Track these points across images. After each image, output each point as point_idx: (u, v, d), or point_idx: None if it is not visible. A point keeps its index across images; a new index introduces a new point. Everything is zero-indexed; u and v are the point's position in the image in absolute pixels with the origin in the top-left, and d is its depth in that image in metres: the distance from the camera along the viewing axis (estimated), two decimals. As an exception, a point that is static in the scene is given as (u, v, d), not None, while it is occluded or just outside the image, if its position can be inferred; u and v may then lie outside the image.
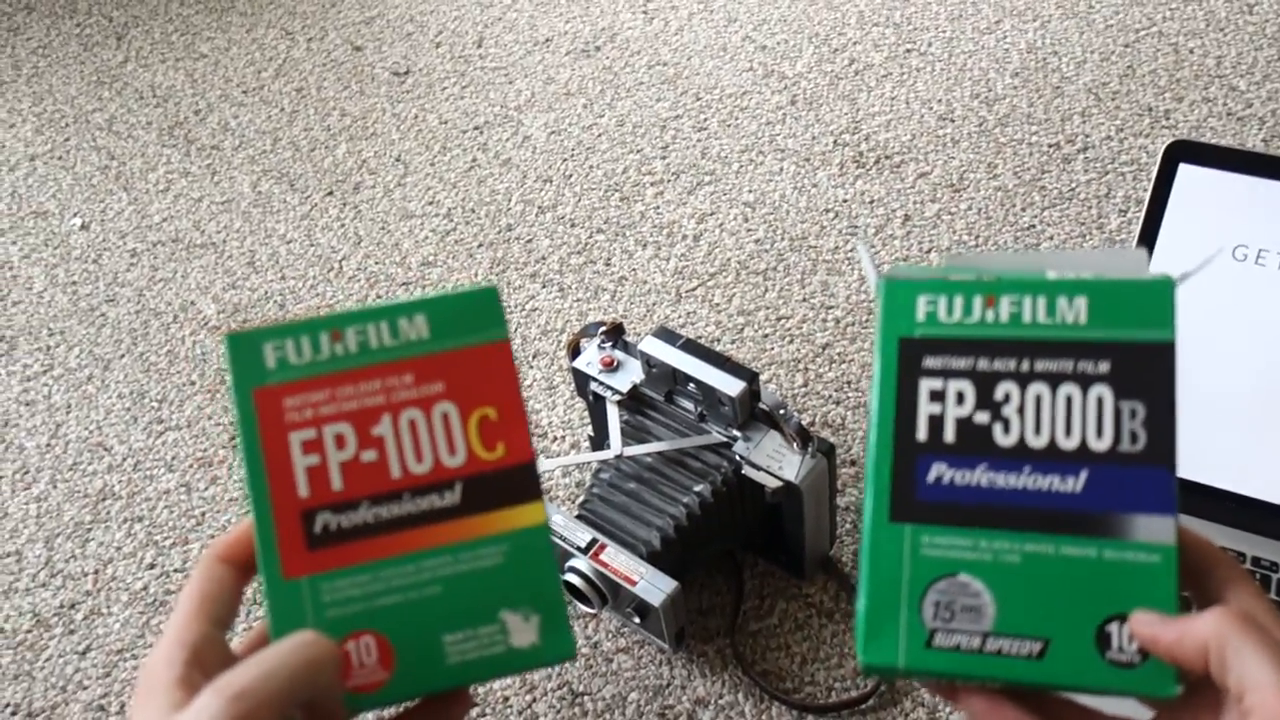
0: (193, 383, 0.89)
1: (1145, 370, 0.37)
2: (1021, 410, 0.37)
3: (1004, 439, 0.37)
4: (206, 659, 0.37)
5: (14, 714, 0.70)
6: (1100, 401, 0.37)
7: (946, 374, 0.38)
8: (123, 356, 0.92)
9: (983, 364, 0.38)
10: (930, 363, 0.38)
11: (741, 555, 0.72)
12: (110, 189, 1.08)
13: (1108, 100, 1.00)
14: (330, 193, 1.04)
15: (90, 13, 1.31)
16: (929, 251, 0.90)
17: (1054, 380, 0.37)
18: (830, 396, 0.81)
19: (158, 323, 0.94)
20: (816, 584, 0.71)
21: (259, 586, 0.39)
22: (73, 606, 0.76)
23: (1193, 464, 0.67)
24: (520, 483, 0.40)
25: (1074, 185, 0.94)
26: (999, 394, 0.38)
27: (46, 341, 0.94)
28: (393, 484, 0.40)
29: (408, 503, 0.40)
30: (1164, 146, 0.70)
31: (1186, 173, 0.70)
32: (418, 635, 0.39)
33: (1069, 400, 0.37)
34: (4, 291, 0.99)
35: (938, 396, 0.38)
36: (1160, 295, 0.37)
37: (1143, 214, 0.70)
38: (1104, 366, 0.37)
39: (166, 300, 0.96)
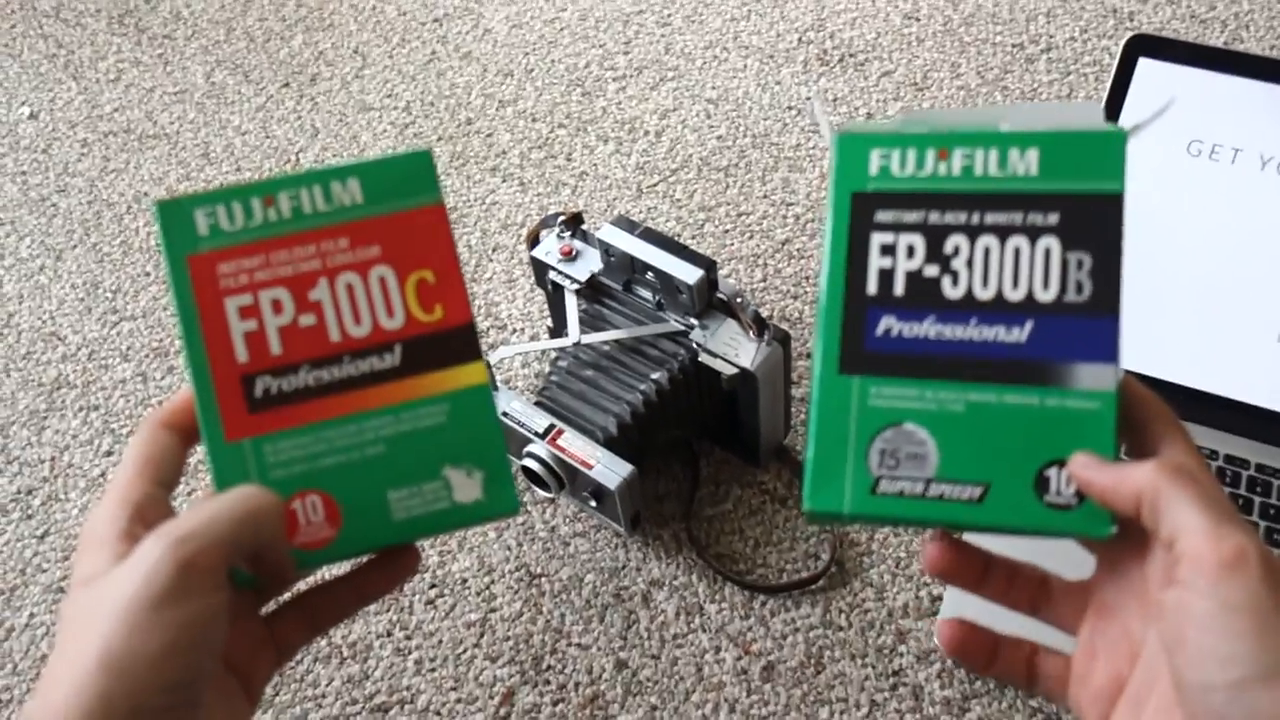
0: (147, 274, 0.88)
1: (1094, 221, 0.37)
2: (970, 263, 0.38)
3: (952, 291, 0.38)
4: (150, 517, 0.37)
5: (-27, 595, 0.71)
6: (1048, 252, 0.37)
7: (898, 228, 0.38)
8: (75, 247, 0.91)
9: (934, 217, 0.38)
10: (882, 217, 0.39)
11: (698, 443, 0.73)
12: (59, 78, 1.05)
13: (1073, 1, 1.00)
14: (286, 84, 1.02)
15: (33, -105, 1.26)
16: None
17: (1003, 232, 0.38)
18: (788, 291, 0.81)
19: (110, 213, 0.93)
20: (771, 471, 0.72)
21: (203, 453, 0.39)
22: (30, 492, 0.76)
23: (1146, 359, 0.69)
24: (460, 343, 0.40)
25: (1036, 85, 0.94)
26: (949, 247, 0.38)
27: (-4, 231, 0.93)
28: (332, 347, 0.40)
29: (348, 365, 0.40)
30: (1125, 40, 0.70)
31: (1146, 67, 0.70)
32: (363, 493, 0.40)
33: (1017, 252, 0.37)
34: (-50, 181, 0.97)
35: (888, 250, 0.38)
36: (1111, 146, 0.37)
37: (1101, 107, 0.70)
38: (1053, 218, 0.37)
39: (119, 191, 0.95)
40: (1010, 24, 0.99)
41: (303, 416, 0.39)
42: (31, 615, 0.69)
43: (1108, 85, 0.71)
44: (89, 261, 0.89)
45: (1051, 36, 0.97)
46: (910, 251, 0.38)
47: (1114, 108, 0.70)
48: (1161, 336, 0.68)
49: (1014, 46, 0.97)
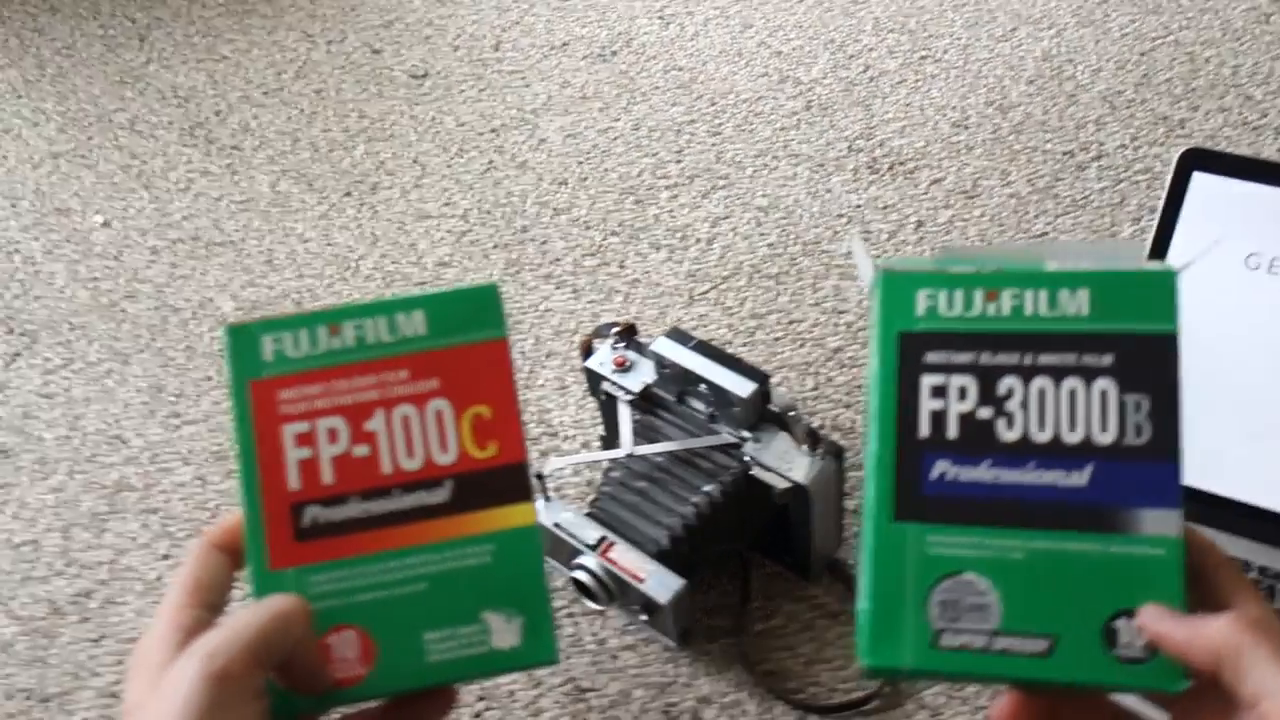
0: (209, 378, 0.90)
1: (1149, 362, 0.37)
2: (1025, 405, 0.37)
3: (1008, 434, 0.37)
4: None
5: (28, 698, 0.71)
6: (1104, 395, 0.37)
7: (949, 369, 0.38)
8: (141, 352, 0.93)
9: (985, 358, 0.38)
10: (932, 358, 0.38)
11: (749, 556, 0.73)
12: (131, 187, 1.09)
13: (1122, 109, 1.00)
14: (348, 193, 1.05)
15: (113, 14, 1.32)
16: (941, 257, 0.90)
17: (1058, 374, 0.37)
18: (840, 400, 0.81)
19: (176, 319, 0.96)
20: (822, 586, 0.71)
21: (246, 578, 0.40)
22: (88, 595, 0.77)
23: (1204, 473, 0.67)
24: (511, 482, 0.40)
25: (1087, 193, 0.94)
26: (1002, 389, 0.37)
27: (67, 336, 0.95)
28: (383, 479, 0.40)
29: (397, 499, 0.40)
30: (1178, 154, 0.70)
31: (1200, 181, 0.70)
32: (399, 632, 0.39)
33: (1073, 394, 0.37)
34: (27, 286, 1.01)
35: (939, 392, 0.38)
36: (1162, 286, 0.37)
37: (1156, 221, 0.70)
38: (1107, 359, 0.37)
39: (185, 297, 0.97)
40: (1060, 131, 0.99)
41: (348, 549, 0.39)
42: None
43: (1161, 194, 0.71)
44: (154, 366, 0.92)
45: (1102, 144, 0.98)
46: (963, 393, 0.38)
47: (1167, 224, 0.70)
48: (1218, 451, 0.67)
49: (1064, 154, 0.97)
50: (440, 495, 0.40)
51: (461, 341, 0.41)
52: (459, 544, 0.39)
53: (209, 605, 0.39)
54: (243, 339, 0.40)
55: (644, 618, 0.65)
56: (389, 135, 1.11)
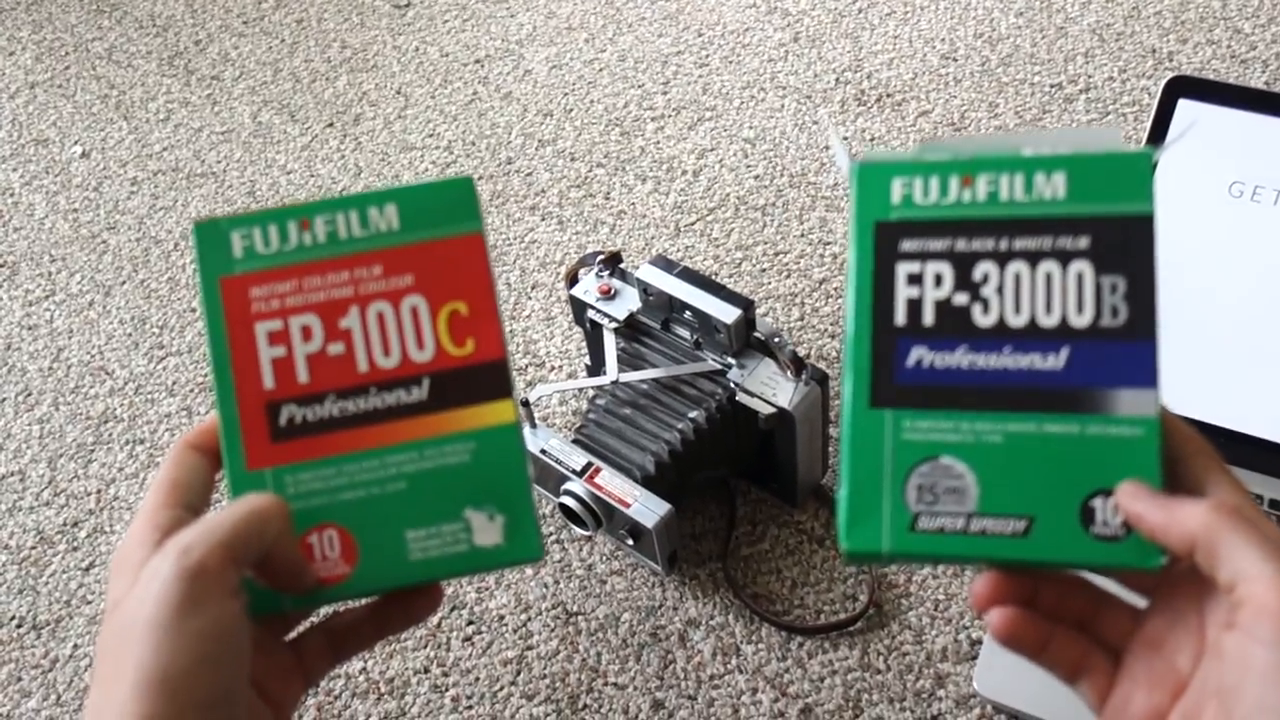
0: (193, 309, 0.90)
1: (1125, 244, 0.36)
2: (1001, 289, 0.37)
3: (984, 319, 0.37)
4: None
5: (19, 626, 0.72)
6: (1080, 277, 0.37)
7: (924, 256, 0.38)
8: (124, 283, 0.93)
9: (961, 244, 0.37)
10: (907, 246, 0.38)
11: (735, 482, 0.73)
12: (110, 117, 1.08)
13: (1111, 41, 1.00)
14: (330, 124, 1.04)
15: (89, -59, 1.30)
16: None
17: (1033, 258, 0.37)
18: (826, 330, 0.82)
19: (158, 250, 0.95)
20: (808, 511, 0.72)
21: (223, 480, 0.39)
22: (75, 524, 0.77)
23: (1189, 401, 0.68)
24: (490, 380, 0.39)
25: (1075, 125, 0.93)
26: (978, 274, 0.37)
27: (48, 268, 0.95)
28: (359, 378, 0.39)
29: (374, 397, 0.39)
30: (1164, 81, 0.70)
31: (1185, 108, 0.70)
32: (381, 530, 0.39)
33: (1049, 277, 0.37)
34: (6, 218, 0.99)
35: (915, 280, 0.38)
36: (1138, 167, 0.37)
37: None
38: (1083, 242, 0.37)
39: (167, 228, 0.97)
40: (1048, 64, 0.99)
41: (325, 448, 0.39)
42: (75, 646, 0.70)
43: (1147, 125, 0.71)
44: (137, 298, 0.91)
45: (1090, 76, 0.97)
46: (938, 280, 0.37)
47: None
48: (1203, 378, 0.68)
49: (1052, 86, 0.97)
50: (418, 393, 0.39)
51: (436, 236, 0.40)
52: (438, 442, 0.39)
53: (187, 505, 0.39)
54: (212, 235, 0.39)
55: (631, 543, 0.66)
56: (372, 66, 1.09)
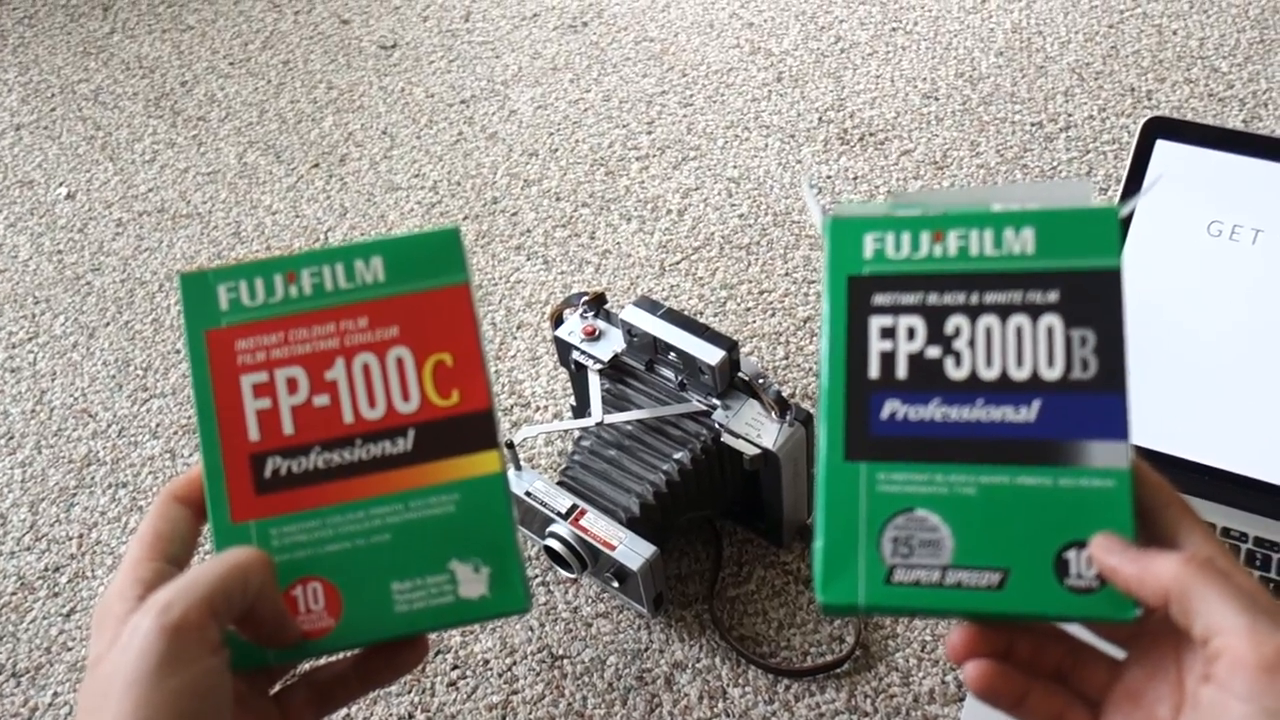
0: (177, 351, 0.90)
1: (1094, 298, 0.37)
2: (973, 343, 0.37)
3: (956, 372, 0.38)
4: None
5: (-2, 674, 0.71)
6: (1050, 331, 0.37)
7: (896, 310, 0.38)
8: (108, 325, 0.92)
9: (932, 299, 0.38)
10: (880, 300, 0.38)
11: (720, 523, 0.73)
12: (96, 159, 1.08)
13: (1091, 80, 1.01)
14: (316, 164, 1.04)
15: (76, -17, 1.30)
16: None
17: (1004, 311, 0.37)
18: (810, 369, 0.82)
19: (143, 291, 0.95)
20: (794, 552, 0.72)
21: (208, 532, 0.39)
22: (57, 570, 0.76)
23: (1169, 438, 0.68)
24: (475, 431, 0.39)
25: (1055, 163, 0.94)
26: (950, 328, 0.38)
27: (32, 309, 0.94)
28: (344, 429, 0.39)
29: (359, 449, 0.39)
30: (1143, 122, 0.71)
31: (1164, 149, 0.71)
32: (365, 583, 0.39)
33: (1019, 331, 0.37)
34: (-11, 260, 0.99)
35: (888, 333, 0.38)
36: (1104, 223, 0.37)
37: (1120, 190, 0.71)
38: (1053, 296, 0.37)
39: (152, 269, 0.96)
40: (1029, 103, 1.00)
41: (310, 500, 0.39)
42: (56, 694, 0.70)
43: (1127, 164, 0.71)
44: (121, 339, 0.91)
45: (1070, 115, 0.98)
46: (911, 333, 0.38)
47: (1131, 191, 0.70)
48: (1184, 415, 0.68)
49: (1033, 125, 0.98)
50: (403, 445, 0.39)
51: (422, 288, 0.40)
52: (423, 493, 0.39)
53: (170, 558, 0.38)
54: (197, 288, 0.39)
55: (616, 585, 0.66)
56: (358, 106, 1.10)
